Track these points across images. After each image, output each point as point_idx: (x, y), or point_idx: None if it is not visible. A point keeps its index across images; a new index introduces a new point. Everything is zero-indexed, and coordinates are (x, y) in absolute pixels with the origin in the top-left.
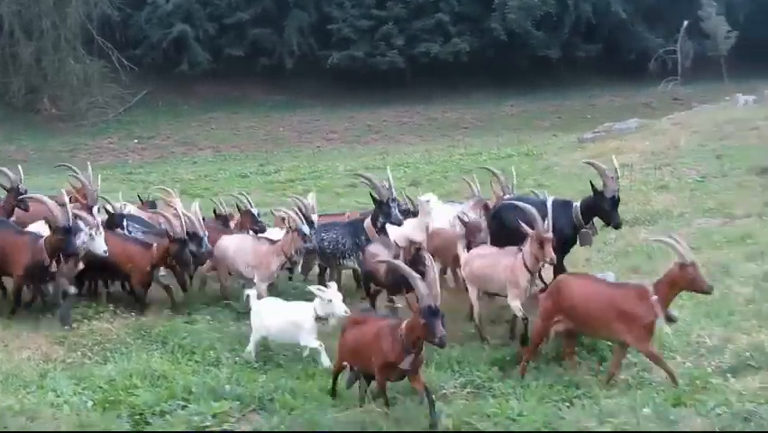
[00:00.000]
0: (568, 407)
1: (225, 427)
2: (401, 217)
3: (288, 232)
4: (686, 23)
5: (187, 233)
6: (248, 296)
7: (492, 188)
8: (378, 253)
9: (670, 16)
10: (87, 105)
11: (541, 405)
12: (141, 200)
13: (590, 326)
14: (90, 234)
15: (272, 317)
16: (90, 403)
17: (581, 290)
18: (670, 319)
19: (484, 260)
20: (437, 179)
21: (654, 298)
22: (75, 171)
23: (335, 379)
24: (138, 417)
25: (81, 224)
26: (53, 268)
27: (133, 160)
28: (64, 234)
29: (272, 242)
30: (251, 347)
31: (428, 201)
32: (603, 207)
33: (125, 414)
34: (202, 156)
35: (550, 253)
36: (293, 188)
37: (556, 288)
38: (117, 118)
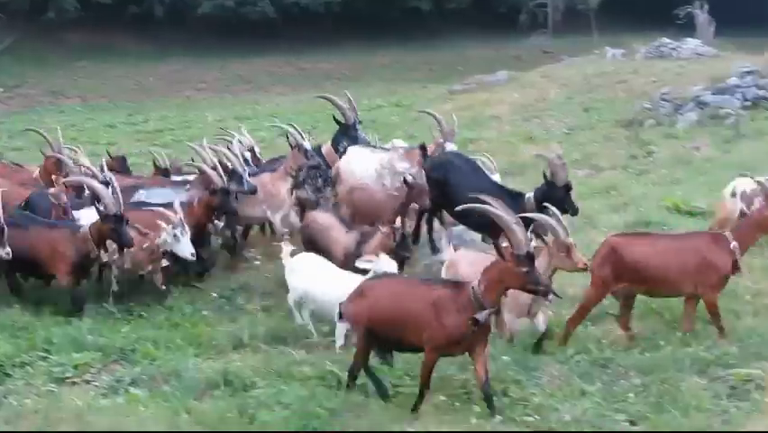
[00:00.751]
0: None
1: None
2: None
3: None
4: None
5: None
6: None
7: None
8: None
9: None
10: None
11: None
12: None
13: (663, 284)
14: (175, 235)
15: (316, 278)
16: None
17: (648, 249)
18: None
19: (474, 268)
20: (308, 129)
21: (734, 244)
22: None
23: (365, 362)
24: None
25: (164, 223)
26: (104, 258)
27: None
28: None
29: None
30: (292, 306)
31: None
32: (557, 196)
33: None
34: (69, 105)
35: (580, 258)
36: (162, 138)
37: (613, 252)
38: None
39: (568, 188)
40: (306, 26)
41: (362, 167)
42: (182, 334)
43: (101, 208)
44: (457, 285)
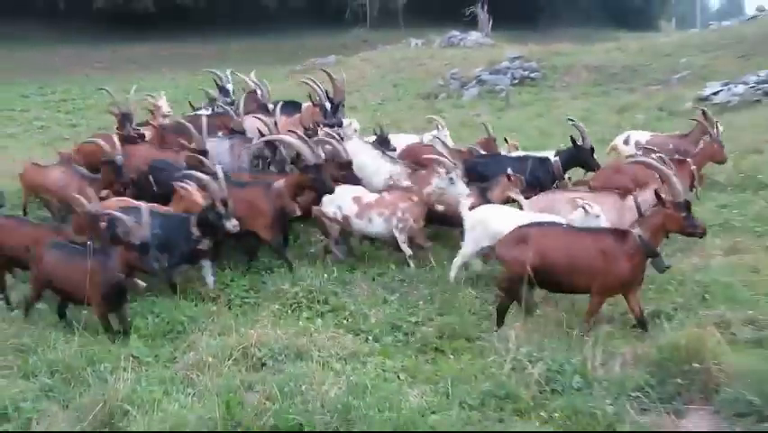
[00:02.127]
0: (269, 273)
1: None
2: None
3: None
4: None
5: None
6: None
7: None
8: None
9: None
10: None
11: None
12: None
13: None
14: (450, 179)
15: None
16: None
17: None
18: None
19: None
20: (181, 100)
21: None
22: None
23: (518, 298)
24: None
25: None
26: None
27: None
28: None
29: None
30: (457, 263)
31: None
32: (584, 157)
33: None
34: None
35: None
36: (65, 106)
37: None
38: None
39: (593, 150)
40: (178, 19)
41: (369, 171)
42: None
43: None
44: (622, 233)
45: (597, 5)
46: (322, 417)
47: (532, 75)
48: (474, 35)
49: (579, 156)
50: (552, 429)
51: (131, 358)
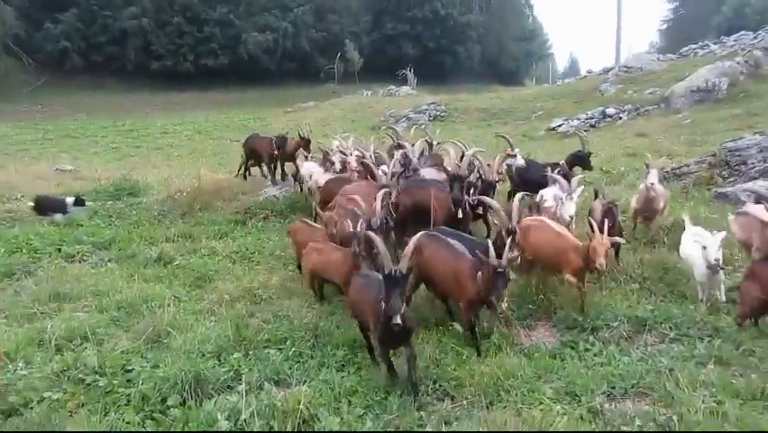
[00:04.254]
0: (267, 241)
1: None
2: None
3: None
4: (339, 53)
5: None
6: None
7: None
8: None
9: (329, 48)
10: None
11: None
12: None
13: None
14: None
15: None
16: None
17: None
18: None
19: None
20: (211, 130)
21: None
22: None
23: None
24: None
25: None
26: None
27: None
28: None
29: None
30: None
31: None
32: (585, 160)
33: None
34: (80, 117)
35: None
36: (131, 134)
37: None
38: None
39: (590, 154)
40: (210, 75)
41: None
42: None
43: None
44: None
45: (484, 69)
46: (300, 333)
47: (441, 114)
48: (405, 88)
49: (581, 159)
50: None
51: (173, 298)
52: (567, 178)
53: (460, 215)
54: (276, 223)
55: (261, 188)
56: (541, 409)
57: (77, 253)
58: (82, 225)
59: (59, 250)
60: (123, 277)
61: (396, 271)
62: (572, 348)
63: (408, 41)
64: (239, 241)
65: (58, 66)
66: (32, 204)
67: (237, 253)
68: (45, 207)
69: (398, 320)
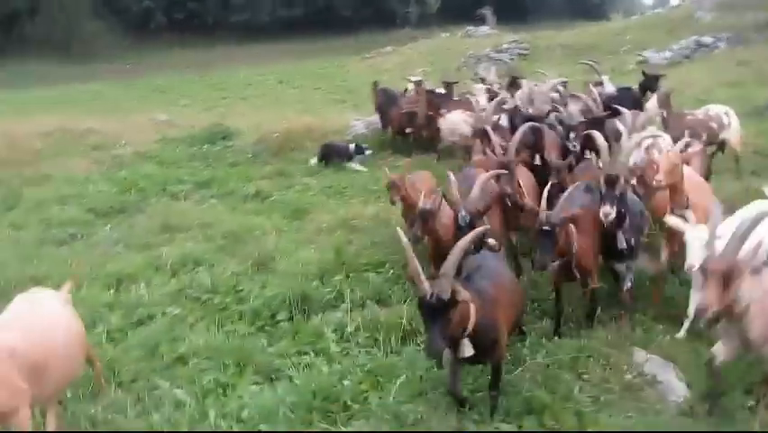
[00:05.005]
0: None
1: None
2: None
3: None
4: None
5: None
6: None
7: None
8: None
9: None
10: None
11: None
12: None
13: None
14: None
15: None
16: None
17: None
18: None
19: None
20: (291, 79)
21: None
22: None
23: None
24: None
25: None
26: None
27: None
28: None
29: None
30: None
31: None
32: (653, 84)
33: None
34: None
35: None
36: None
37: None
38: None
39: (659, 77)
40: (286, 27)
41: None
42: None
43: None
44: None
45: (567, 4)
46: (397, 257)
47: (523, 52)
48: (484, 28)
49: (651, 82)
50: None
51: (273, 228)
52: (639, 106)
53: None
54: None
55: (349, 127)
56: None
57: (181, 191)
58: (182, 168)
59: (164, 189)
60: (225, 211)
61: (433, 294)
62: None
63: None
64: (331, 177)
65: (143, 25)
66: (317, 154)
67: (330, 189)
68: (332, 153)
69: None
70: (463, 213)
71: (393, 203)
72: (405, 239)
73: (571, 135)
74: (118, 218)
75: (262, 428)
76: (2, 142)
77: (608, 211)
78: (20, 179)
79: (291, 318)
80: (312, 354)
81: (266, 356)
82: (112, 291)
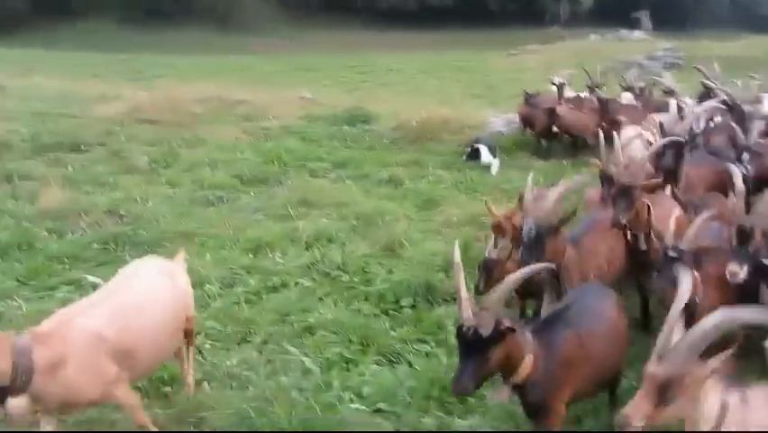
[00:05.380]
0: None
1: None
2: None
3: None
4: None
5: None
6: None
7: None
8: None
9: None
10: None
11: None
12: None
13: None
14: None
15: None
16: None
17: None
18: None
19: None
20: (432, 70)
21: None
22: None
23: None
24: None
25: None
26: None
27: None
28: None
29: None
30: None
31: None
32: None
33: None
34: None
35: None
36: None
37: None
38: None
39: None
40: (432, 15)
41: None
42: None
43: None
44: None
45: (734, 13)
46: None
47: (677, 62)
48: (637, 33)
49: None
50: None
51: (404, 215)
52: None
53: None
54: (501, 158)
55: (487, 123)
56: None
57: (319, 169)
58: (322, 147)
59: (304, 165)
60: (359, 192)
61: (471, 328)
62: None
63: None
64: (464, 171)
65: (298, 4)
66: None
67: (462, 184)
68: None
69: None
70: (530, 225)
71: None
72: (457, 257)
73: (745, 157)
74: (260, 187)
75: (381, 406)
76: (166, 104)
77: (735, 270)
78: (178, 140)
79: (414, 306)
80: (433, 344)
81: (388, 339)
82: (251, 256)
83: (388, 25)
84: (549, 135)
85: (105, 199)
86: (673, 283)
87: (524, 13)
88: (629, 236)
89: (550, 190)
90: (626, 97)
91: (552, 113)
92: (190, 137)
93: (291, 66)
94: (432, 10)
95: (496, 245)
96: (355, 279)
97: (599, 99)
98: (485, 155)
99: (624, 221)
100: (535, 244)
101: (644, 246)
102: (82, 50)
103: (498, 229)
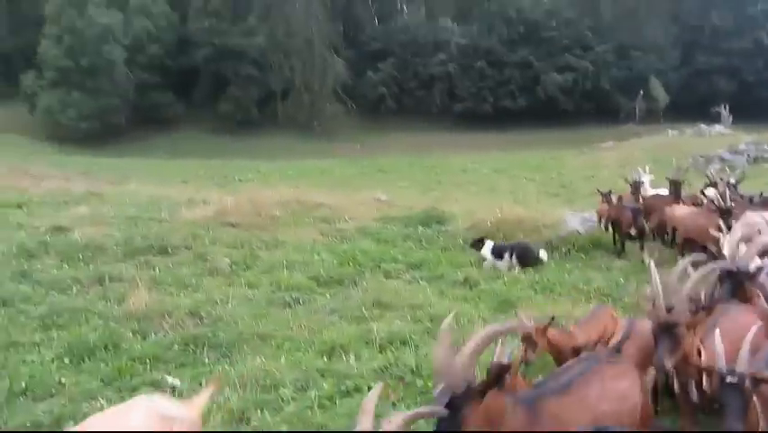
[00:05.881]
0: None
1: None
2: None
3: None
4: (642, 91)
5: None
6: None
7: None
8: None
9: (630, 87)
10: None
11: None
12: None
13: None
14: None
15: None
16: None
17: None
18: None
19: None
20: (507, 168)
21: None
22: None
23: None
24: None
25: None
26: None
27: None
28: None
29: None
30: None
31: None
32: None
33: None
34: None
35: None
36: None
37: None
38: None
39: None
40: (506, 117)
41: None
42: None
43: None
44: None
45: None
46: None
47: (764, 155)
48: (717, 127)
49: None
50: None
51: (479, 317)
52: None
53: None
54: (578, 257)
55: (562, 222)
56: None
57: (393, 270)
58: (396, 247)
59: (379, 266)
60: (434, 294)
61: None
62: None
63: (723, 75)
64: (541, 272)
65: (374, 110)
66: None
67: (538, 283)
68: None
69: None
70: (443, 393)
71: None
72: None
73: None
74: (336, 289)
75: None
76: (249, 207)
77: None
78: (258, 242)
79: None
80: None
81: None
82: (325, 358)
83: (463, 127)
84: (634, 236)
85: (187, 301)
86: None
87: (598, 112)
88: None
89: (464, 346)
90: (710, 194)
91: (652, 211)
92: (270, 239)
93: (368, 168)
94: (505, 111)
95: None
96: (429, 383)
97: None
98: (485, 250)
99: (669, 366)
100: (452, 419)
101: (695, 396)
102: (176, 157)
103: (528, 341)
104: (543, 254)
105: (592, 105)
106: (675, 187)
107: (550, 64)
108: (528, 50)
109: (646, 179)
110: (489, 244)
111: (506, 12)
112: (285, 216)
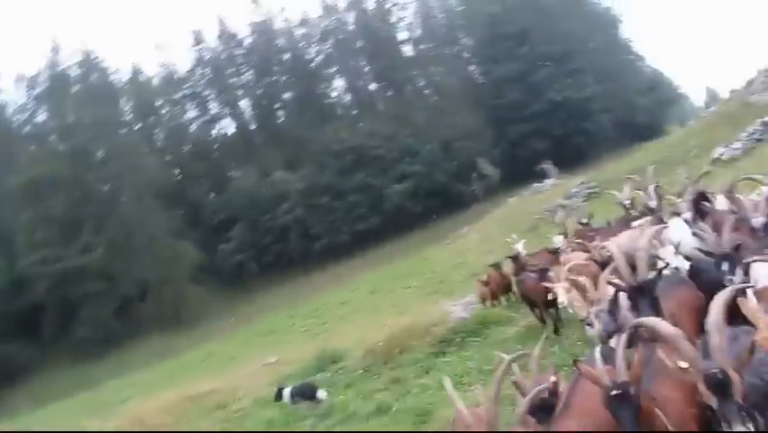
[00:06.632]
0: None
1: None
2: None
3: None
4: (474, 173)
5: None
6: None
7: None
8: None
9: (463, 174)
10: None
11: None
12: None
13: None
14: None
15: None
16: None
17: None
18: None
19: None
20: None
21: None
22: None
23: None
24: None
25: None
26: None
27: None
28: None
29: None
30: None
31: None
32: None
33: None
34: None
35: None
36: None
37: None
38: None
39: None
40: (365, 237)
41: None
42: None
43: None
44: None
45: (620, 133)
46: None
47: (594, 190)
48: (549, 181)
49: None
50: None
51: None
52: None
53: None
54: (473, 342)
55: (448, 314)
56: None
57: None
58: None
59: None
60: None
61: None
62: None
63: (535, 137)
64: (444, 370)
65: (237, 278)
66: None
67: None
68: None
69: None
70: None
71: None
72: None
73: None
74: None
75: None
76: (137, 427)
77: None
78: None
79: None
80: None
81: None
82: None
83: (329, 261)
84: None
85: None
86: None
87: (445, 204)
88: None
89: None
90: (558, 240)
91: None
92: None
93: (248, 337)
94: (363, 233)
95: None
96: None
97: None
98: (286, 395)
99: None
100: None
101: None
102: (38, 408)
103: None
104: (320, 394)
105: (438, 201)
106: (515, 261)
107: (387, 178)
108: (363, 173)
109: (520, 246)
110: (286, 391)
111: (330, 148)
112: (177, 422)
